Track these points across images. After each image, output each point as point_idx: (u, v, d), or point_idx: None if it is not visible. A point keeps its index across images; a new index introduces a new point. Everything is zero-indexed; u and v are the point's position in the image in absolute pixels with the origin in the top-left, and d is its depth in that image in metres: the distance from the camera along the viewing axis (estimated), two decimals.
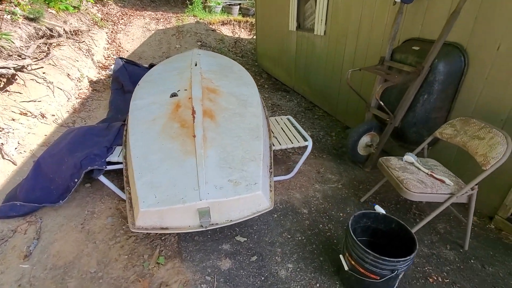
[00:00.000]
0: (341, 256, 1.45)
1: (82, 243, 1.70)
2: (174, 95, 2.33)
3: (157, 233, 1.80)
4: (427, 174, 1.65)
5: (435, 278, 1.53)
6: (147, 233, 1.79)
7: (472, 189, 1.51)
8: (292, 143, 2.23)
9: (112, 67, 4.47)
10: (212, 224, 1.47)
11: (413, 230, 1.57)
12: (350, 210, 2.02)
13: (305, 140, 2.28)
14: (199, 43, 6.76)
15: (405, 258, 1.21)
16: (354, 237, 1.30)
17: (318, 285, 1.48)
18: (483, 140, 1.52)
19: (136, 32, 6.45)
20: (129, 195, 1.62)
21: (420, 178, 1.61)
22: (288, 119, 2.71)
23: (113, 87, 3.94)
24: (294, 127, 2.53)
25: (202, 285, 1.47)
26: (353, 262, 1.34)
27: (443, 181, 1.57)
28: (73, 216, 1.89)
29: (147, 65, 4.57)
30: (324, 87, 3.86)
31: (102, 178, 1.88)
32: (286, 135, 2.38)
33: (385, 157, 1.86)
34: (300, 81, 4.61)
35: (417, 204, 2.09)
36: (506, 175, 1.78)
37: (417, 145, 2.31)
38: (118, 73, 4.04)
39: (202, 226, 1.46)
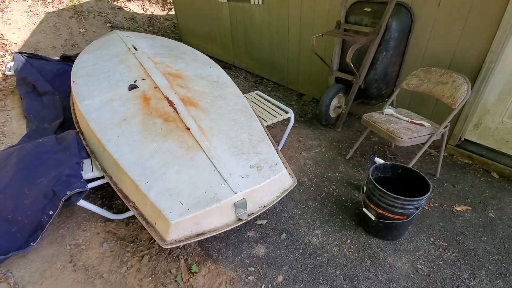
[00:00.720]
0: (364, 209, 1.59)
1: (85, 282, 1.40)
2: (133, 87, 1.99)
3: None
4: (408, 121, 1.89)
5: (427, 204, 1.84)
6: (160, 247, 1.58)
7: (446, 127, 1.82)
8: (276, 117, 2.22)
9: (10, 65, 3.47)
10: (249, 215, 1.39)
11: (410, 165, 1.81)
12: (342, 168, 2.19)
13: (286, 112, 2.29)
14: (108, 25, 5.78)
15: (427, 195, 1.40)
16: (383, 189, 1.43)
17: (348, 240, 1.61)
18: (446, 84, 1.82)
19: (21, 18, 5.06)
20: (138, 211, 1.38)
21: (404, 126, 1.84)
22: (258, 94, 2.65)
23: (21, 91, 3.10)
24: (268, 101, 2.51)
25: (249, 277, 1.41)
26: (381, 211, 1.49)
27: (422, 125, 1.84)
28: (53, 256, 1.52)
29: (57, 57, 3.71)
30: (271, 58, 3.87)
31: (82, 203, 1.53)
32: (266, 110, 2.34)
33: (367, 114, 2.03)
34: (242, 56, 4.50)
35: (389, 150, 2.40)
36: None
37: (376, 100, 2.61)
38: (23, 72, 3.17)
39: (240, 220, 1.36)
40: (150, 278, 1.42)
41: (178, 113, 1.74)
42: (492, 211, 1.78)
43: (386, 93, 2.53)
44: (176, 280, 1.40)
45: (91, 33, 5.37)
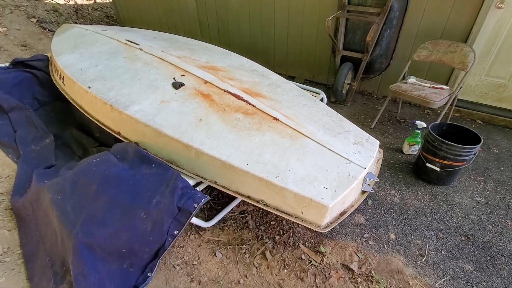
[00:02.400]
0: (428, 164, 1.88)
1: None
2: (180, 84, 1.81)
3: (274, 233, 1.61)
4: (430, 87, 2.25)
5: None
6: (272, 237, 1.57)
7: (460, 87, 2.23)
8: None
9: None
10: (369, 186, 1.50)
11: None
12: (374, 135, 2.47)
13: (318, 93, 2.41)
14: (33, 20, 4.70)
15: (480, 143, 1.76)
16: (451, 143, 1.72)
17: (419, 192, 1.89)
18: (455, 53, 2.21)
19: None
20: (271, 206, 1.34)
21: (430, 91, 2.18)
22: None
23: None
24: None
25: (369, 243, 1.56)
26: (447, 162, 1.80)
27: (442, 88, 2.22)
28: (169, 282, 1.35)
29: (5, 64, 2.91)
30: (253, 42, 3.84)
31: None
32: None
33: (394, 85, 2.32)
34: (215, 42, 4.31)
35: (399, 115, 2.79)
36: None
37: (374, 73, 2.95)
38: None
39: (364, 192, 1.47)
40: (286, 270, 1.43)
41: (254, 105, 1.68)
42: (494, 148, 2.31)
43: (384, 67, 2.88)
44: (312, 264, 1.45)
45: (16, 32, 4.30)
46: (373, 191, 1.49)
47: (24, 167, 1.95)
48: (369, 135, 1.67)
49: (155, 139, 1.56)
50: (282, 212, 1.34)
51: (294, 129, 1.55)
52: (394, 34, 2.64)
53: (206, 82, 1.85)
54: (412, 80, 2.32)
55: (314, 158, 1.42)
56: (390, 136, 2.48)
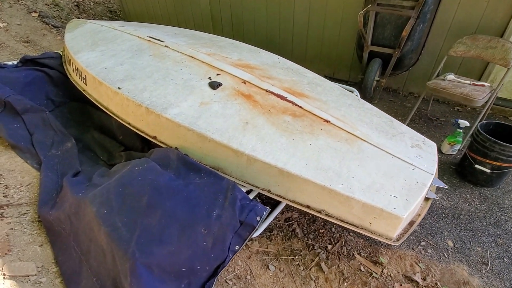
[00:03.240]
0: (477, 166, 1.80)
1: None
2: (218, 84, 1.70)
3: (325, 245, 1.52)
4: (470, 84, 2.16)
5: None
6: (324, 247, 1.48)
7: (502, 83, 2.15)
8: None
9: None
10: (433, 192, 1.42)
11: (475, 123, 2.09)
12: None
13: (351, 91, 2.31)
14: (35, 15, 4.49)
15: None
16: (505, 143, 1.64)
17: (467, 195, 1.82)
18: (496, 48, 2.13)
19: None
20: (334, 217, 1.25)
21: (472, 88, 2.10)
22: None
23: None
24: None
25: (428, 251, 1.48)
26: (498, 163, 1.72)
27: (483, 85, 2.13)
28: None
29: (13, 62, 2.75)
30: (270, 37, 3.71)
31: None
32: None
33: (432, 82, 2.23)
34: (228, 38, 4.16)
35: (430, 113, 2.70)
36: None
37: (402, 69, 2.85)
38: None
39: (428, 199, 1.38)
40: (346, 284, 1.34)
41: (301, 107, 1.58)
42: None
43: (413, 62, 2.79)
44: (373, 276, 1.37)
45: (17, 27, 4.11)
46: (437, 198, 1.41)
47: (49, 174, 1.83)
48: (424, 137, 1.58)
49: (199, 145, 1.45)
50: (347, 223, 1.25)
51: (348, 132, 1.46)
52: (426, 29, 2.54)
53: (244, 82, 1.74)
54: (451, 76, 2.23)
55: (376, 164, 1.32)
56: (424, 135, 2.39)
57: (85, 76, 2.01)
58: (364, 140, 1.43)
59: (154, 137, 1.63)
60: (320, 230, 1.59)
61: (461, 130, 2.05)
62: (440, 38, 2.64)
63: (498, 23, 2.34)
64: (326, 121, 1.51)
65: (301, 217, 1.67)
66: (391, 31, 2.58)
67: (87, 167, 1.92)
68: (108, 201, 1.21)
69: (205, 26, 4.24)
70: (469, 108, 2.76)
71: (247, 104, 1.58)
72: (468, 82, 2.18)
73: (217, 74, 1.80)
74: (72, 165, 1.89)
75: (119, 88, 1.71)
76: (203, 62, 1.92)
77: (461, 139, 2.08)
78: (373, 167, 1.31)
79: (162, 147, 1.59)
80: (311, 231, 1.59)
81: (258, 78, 1.78)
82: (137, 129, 1.71)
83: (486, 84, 2.15)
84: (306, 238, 1.55)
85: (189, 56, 1.99)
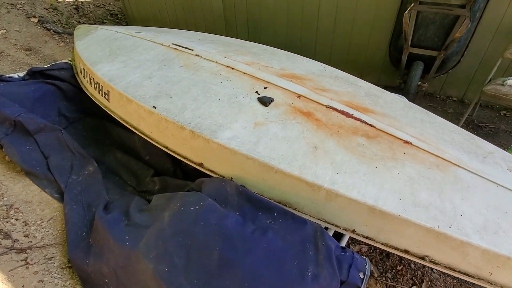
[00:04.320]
0: None
1: None
2: (270, 100, 1.47)
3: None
4: None
5: None
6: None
7: None
8: None
9: None
10: None
11: None
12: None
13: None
14: (34, 20, 4.21)
15: None
16: None
17: None
18: None
19: None
20: (442, 265, 1.04)
21: None
22: None
23: None
24: None
25: None
26: None
27: None
28: None
29: (20, 74, 2.49)
30: (290, 42, 3.49)
31: None
32: None
33: (491, 88, 2.03)
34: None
35: (476, 119, 2.51)
36: None
37: (442, 72, 2.65)
38: None
39: None
40: None
41: (372, 125, 1.36)
42: None
43: (454, 64, 2.59)
44: None
45: (16, 34, 3.82)
46: None
47: (74, 207, 1.59)
48: None
49: (262, 176, 1.23)
50: (458, 271, 1.04)
51: (437, 156, 1.24)
52: (472, 28, 2.34)
53: (299, 96, 1.51)
54: (510, 81, 2.03)
55: (482, 196, 1.11)
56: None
57: (108, 91, 1.77)
58: (458, 165, 1.21)
59: (200, 164, 1.40)
60: (397, 267, 1.38)
61: None
62: (486, 39, 2.45)
63: None
64: (406, 142, 1.29)
65: (371, 251, 1.45)
66: (434, 32, 2.38)
67: (115, 195, 1.68)
68: (167, 255, 0.98)
69: (218, 29, 4.00)
70: (507, 113, 2.57)
71: (309, 123, 1.35)
72: None
73: (264, 88, 1.57)
74: (99, 194, 1.65)
75: (154, 107, 1.48)
76: (244, 73, 1.69)
77: None
78: (479, 200, 1.10)
79: (210, 176, 1.37)
80: (387, 269, 1.38)
81: (312, 91, 1.56)
82: (178, 154, 1.47)
83: None
84: (384, 278, 1.33)
85: (227, 66, 1.76)
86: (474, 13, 2.21)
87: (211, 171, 1.37)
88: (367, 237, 1.12)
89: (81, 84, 2.27)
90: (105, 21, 5.43)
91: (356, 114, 1.41)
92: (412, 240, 1.06)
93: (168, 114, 1.43)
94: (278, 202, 1.23)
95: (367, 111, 1.47)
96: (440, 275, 1.35)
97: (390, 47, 2.82)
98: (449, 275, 1.34)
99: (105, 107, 1.88)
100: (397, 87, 2.64)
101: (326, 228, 1.15)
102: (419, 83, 2.60)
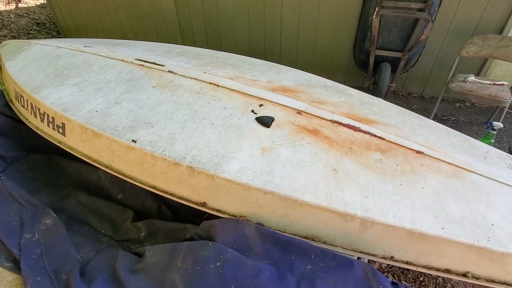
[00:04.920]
0: None
1: None
2: (271, 120, 1.32)
3: None
4: (490, 83, 2.16)
5: None
6: None
7: None
8: None
9: None
10: None
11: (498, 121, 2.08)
12: None
13: None
14: None
15: None
16: None
17: None
18: (508, 47, 2.16)
19: None
20: (482, 278, 1.00)
21: (496, 89, 2.09)
22: None
23: None
24: None
25: None
26: None
27: (502, 84, 2.15)
28: None
29: None
30: (255, 46, 3.36)
31: None
32: None
33: (456, 85, 2.17)
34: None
35: (438, 113, 2.70)
36: None
37: (403, 71, 2.80)
38: None
39: None
40: None
41: (382, 138, 1.30)
42: None
43: (414, 63, 2.76)
44: None
45: None
46: None
47: (37, 278, 1.23)
48: (506, 152, 1.45)
49: (283, 210, 1.07)
50: (498, 282, 1.02)
51: (449, 163, 1.23)
52: (431, 29, 2.50)
53: (299, 112, 1.39)
54: (471, 78, 2.21)
55: (501, 200, 1.12)
56: None
57: (63, 124, 1.43)
58: (470, 171, 1.22)
59: (203, 204, 1.19)
60: (419, 278, 1.35)
61: (494, 132, 2.03)
62: (439, 39, 2.65)
63: (496, 22, 2.41)
64: (418, 152, 1.26)
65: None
66: (397, 34, 2.49)
67: (89, 252, 1.36)
68: None
69: (172, 38, 3.69)
70: (468, 104, 2.84)
71: (320, 143, 1.24)
72: (489, 82, 2.19)
73: (260, 105, 1.42)
74: (67, 254, 1.32)
75: (133, 141, 1.21)
76: (232, 90, 1.51)
77: (493, 141, 2.06)
78: (501, 205, 1.10)
79: (215, 216, 1.16)
80: (409, 281, 1.34)
81: (310, 105, 1.45)
82: (171, 195, 1.23)
83: (505, 82, 2.18)
84: None
85: (210, 83, 1.55)
86: (431, 15, 2.36)
87: (217, 210, 1.17)
88: (406, 262, 1.05)
89: (18, 114, 1.83)
90: (31, 32, 4.64)
91: (363, 127, 1.35)
92: (453, 259, 1.01)
93: (154, 148, 1.18)
94: (304, 237, 1.09)
95: (370, 122, 1.41)
96: (458, 281, 1.36)
97: (354, 49, 2.88)
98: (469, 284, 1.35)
99: (60, 143, 1.52)
100: (366, 88, 2.71)
101: (370, 261, 1.05)
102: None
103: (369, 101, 1.65)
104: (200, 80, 1.57)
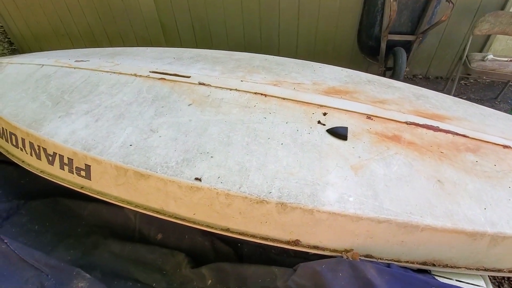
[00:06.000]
0: None
1: None
2: (345, 131, 1.16)
3: None
4: (508, 60, 2.17)
5: None
6: None
7: None
8: None
9: None
10: None
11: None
12: None
13: None
14: None
15: None
16: None
17: None
18: None
19: None
20: None
21: None
22: None
23: None
24: None
25: None
26: None
27: None
28: None
29: None
30: (250, 39, 3.11)
31: None
32: None
33: (476, 65, 2.15)
34: (192, 47, 3.34)
35: (446, 93, 2.70)
36: None
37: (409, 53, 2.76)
38: None
39: None
40: None
41: (464, 135, 1.20)
42: None
43: (419, 44, 2.72)
44: None
45: None
46: None
47: None
48: None
49: (400, 238, 0.93)
50: None
51: None
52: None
53: (369, 117, 1.24)
54: (490, 57, 2.20)
55: None
56: None
57: (87, 166, 1.14)
58: None
59: (295, 243, 1.00)
60: None
61: None
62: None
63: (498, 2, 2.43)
64: (506, 147, 1.18)
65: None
66: (408, 17, 2.41)
67: None
68: None
69: (154, 38, 3.31)
70: (472, 81, 2.89)
71: (408, 151, 1.10)
72: (506, 59, 2.20)
73: (324, 114, 1.24)
74: None
75: (197, 179, 0.98)
76: (283, 98, 1.31)
77: None
78: None
79: (304, 253, 0.99)
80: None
81: (375, 107, 1.30)
82: (253, 236, 1.03)
83: None
84: None
85: (255, 93, 1.33)
86: None
87: (313, 247, 0.99)
88: None
89: (6, 155, 1.46)
90: None
91: (441, 125, 1.23)
92: None
93: (227, 186, 0.96)
94: (422, 263, 0.96)
95: (442, 118, 1.30)
96: None
97: (360, 36, 2.77)
98: None
99: (82, 188, 1.22)
100: (379, 75, 2.62)
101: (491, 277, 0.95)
102: None
103: (421, 93, 1.55)
104: (241, 90, 1.35)
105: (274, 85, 1.40)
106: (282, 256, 1.24)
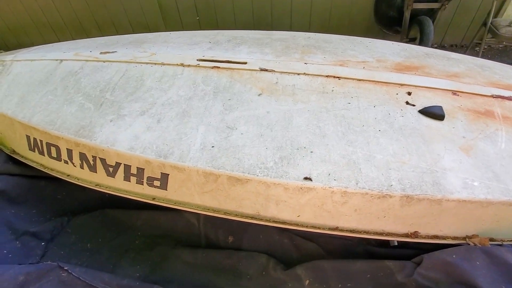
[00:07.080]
0: None
1: None
2: (440, 110, 1.09)
3: None
4: None
5: None
6: None
7: None
8: None
9: None
10: None
11: None
12: None
13: None
14: None
15: None
16: None
17: None
18: None
19: None
20: None
21: None
22: None
23: None
24: None
25: None
26: None
27: None
28: None
29: None
30: (260, 16, 2.90)
31: None
32: None
33: (506, 30, 2.13)
34: (195, 28, 3.08)
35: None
36: None
37: None
38: None
39: None
40: None
41: None
42: None
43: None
44: None
45: None
46: None
47: None
48: None
49: None
50: None
51: None
52: None
53: (455, 93, 1.17)
54: None
55: None
56: None
57: (164, 175, 1.00)
58: None
59: (414, 235, 0.94)
60: None
61: None
62: None
63: None
64: None
65: None
66: None
67: None
68: None
69: (151, 22, 3.00)
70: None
71: (507, 127, 1.06)
72: None
73: (408, 93, 1.15)
74: None
75: (307, 178, 0.88)
76: (359, 80, 1.20)
77: None
78: None
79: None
80: None
81: (453, 81, 1.23)
82: (365, 232, 0.96)
83: None
84: None
85: (327, 76, 1.21)
86: None
87: (433, 236, 0.94)
88: None
89: (43, 169, 1.27)
90: None
91: None
92: None
93: (343, 183, 0.87)
94: None
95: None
96: None
97: (378, 6, 2.66)
98: None
99: (154, 199, 1.08)
100: None
101: None
102: None
103: (482, 63, 1.49)
104: (311, 74, 1.22)
105: (340, 65, 1.29)
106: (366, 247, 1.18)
